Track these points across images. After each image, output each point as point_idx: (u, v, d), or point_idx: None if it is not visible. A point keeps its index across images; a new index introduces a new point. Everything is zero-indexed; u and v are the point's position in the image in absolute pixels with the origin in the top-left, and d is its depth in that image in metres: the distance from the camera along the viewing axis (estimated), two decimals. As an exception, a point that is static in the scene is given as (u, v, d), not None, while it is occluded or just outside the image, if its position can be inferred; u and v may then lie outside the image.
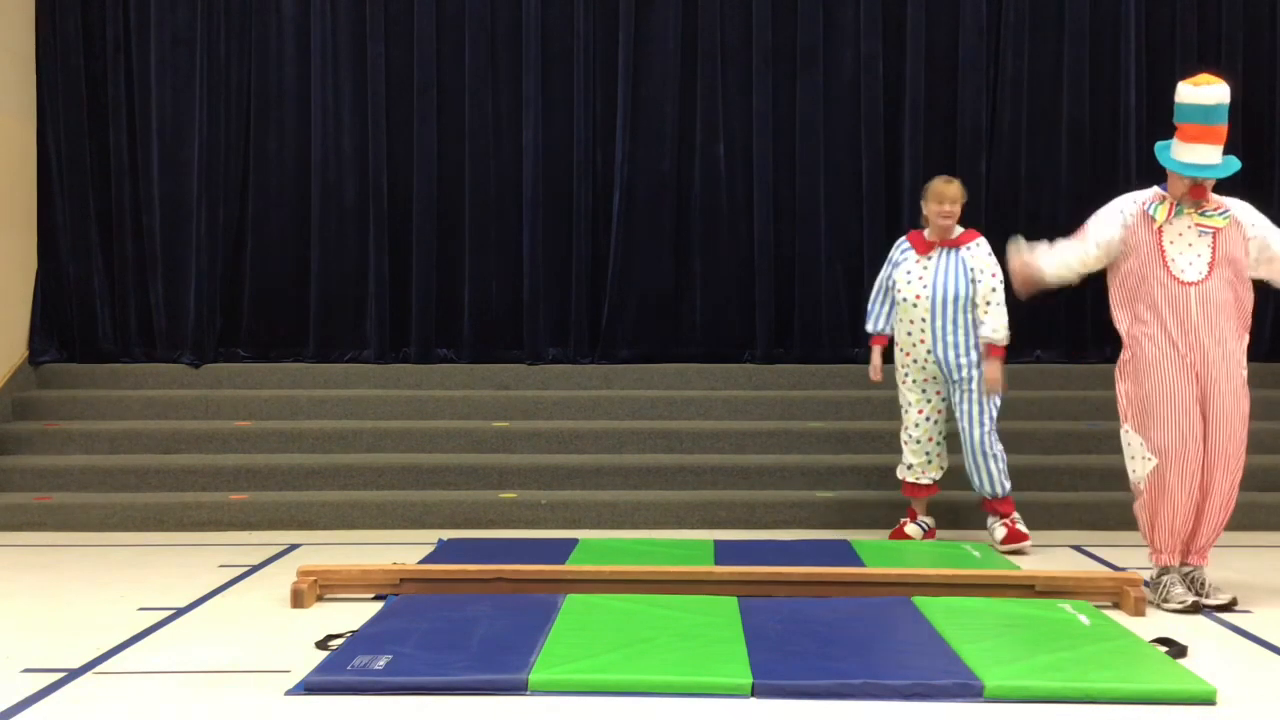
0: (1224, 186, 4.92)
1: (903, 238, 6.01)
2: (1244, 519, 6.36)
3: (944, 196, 5.75)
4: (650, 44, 7.87)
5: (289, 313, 7.95)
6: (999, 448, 5.78)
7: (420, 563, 5.25)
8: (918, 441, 5.91)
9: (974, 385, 5.72)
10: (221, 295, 7.90)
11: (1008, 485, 5.81)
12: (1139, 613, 4.50)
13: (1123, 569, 5.28)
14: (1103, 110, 7.82)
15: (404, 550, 5.69)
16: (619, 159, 7.84)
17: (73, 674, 3.82)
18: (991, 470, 5.76)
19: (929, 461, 5.91)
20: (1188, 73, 7.68)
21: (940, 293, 5.71)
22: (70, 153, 7.83)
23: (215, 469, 6.83)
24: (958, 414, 5.80)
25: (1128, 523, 6.34)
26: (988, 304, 5.65)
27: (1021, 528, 5.78)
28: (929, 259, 5.80)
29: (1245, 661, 3.99)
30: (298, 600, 4.64)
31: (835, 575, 4.80)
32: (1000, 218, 7.67)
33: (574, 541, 5.80)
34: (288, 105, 7.94)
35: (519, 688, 3.60)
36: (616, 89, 7.86)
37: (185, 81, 7.84)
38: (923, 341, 5.76)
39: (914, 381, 5.86)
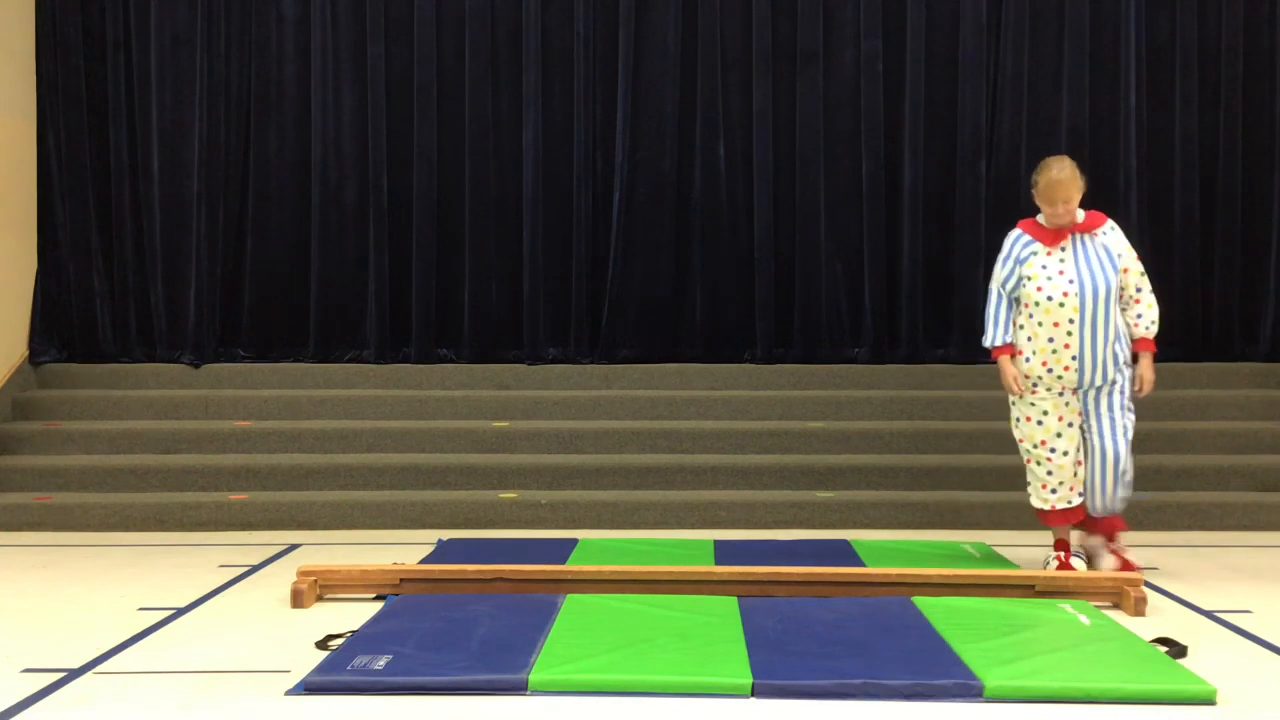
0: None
1: (1015, 230, 5.19)
2: (1245, 519, 6.39)
3: (1054, 197, 4.98)
4: (650, 44, 7.87)
5: (289, 312, 7.95)
6: (1132, 466, 5.16)
7: (420, 563, 5.25)
8: (1064, 454, 5.09)
9: (1118, 390, 5.04)
10: (221, 295, 7.90)
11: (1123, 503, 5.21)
12: (1139, 613, 4.50)
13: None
14: (1103, 110, 7.82)
15: (404, 550, 5.70)
16: (619, 159, 7.84)
17: (73, 674, 3.82)
18: (1120, 489, 5.11)
19: (1074, 477, 5.13)
20: (1188, 72, 7.80)
21: (1090, 287, 4.92)
22: (70, 153, 7.83)
23: (215, 469, 6.82)
24: (1096, 424, 5.08)
25: (1128, 523, 6.38)
26: (1139, 291, 5.02)
27: (1131, 556, 5.16)
28: (1063, 250, 5.02)
29: (1245, 661, 3.98)
30: (298, 600, 4.64)
31: (835, 575, 4.81)
32: (1000, 218, 7.68)
33: (574, 541, 5.81)
34: (288, 105, 7.94)
35: (519, 688, 3.60)
36: (616, 89, 7.85)
37: (185, 81, 7.85)
38: (1067, 347, 4.95)
39: (1047, 390, 5.06)
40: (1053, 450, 5.09)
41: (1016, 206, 7.75)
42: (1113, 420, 5.05)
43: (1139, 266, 5.06)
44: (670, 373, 7.72)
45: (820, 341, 7.85)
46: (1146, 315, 5.05)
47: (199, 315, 7.82)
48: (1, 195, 7.49)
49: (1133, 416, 5.11)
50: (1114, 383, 5.03)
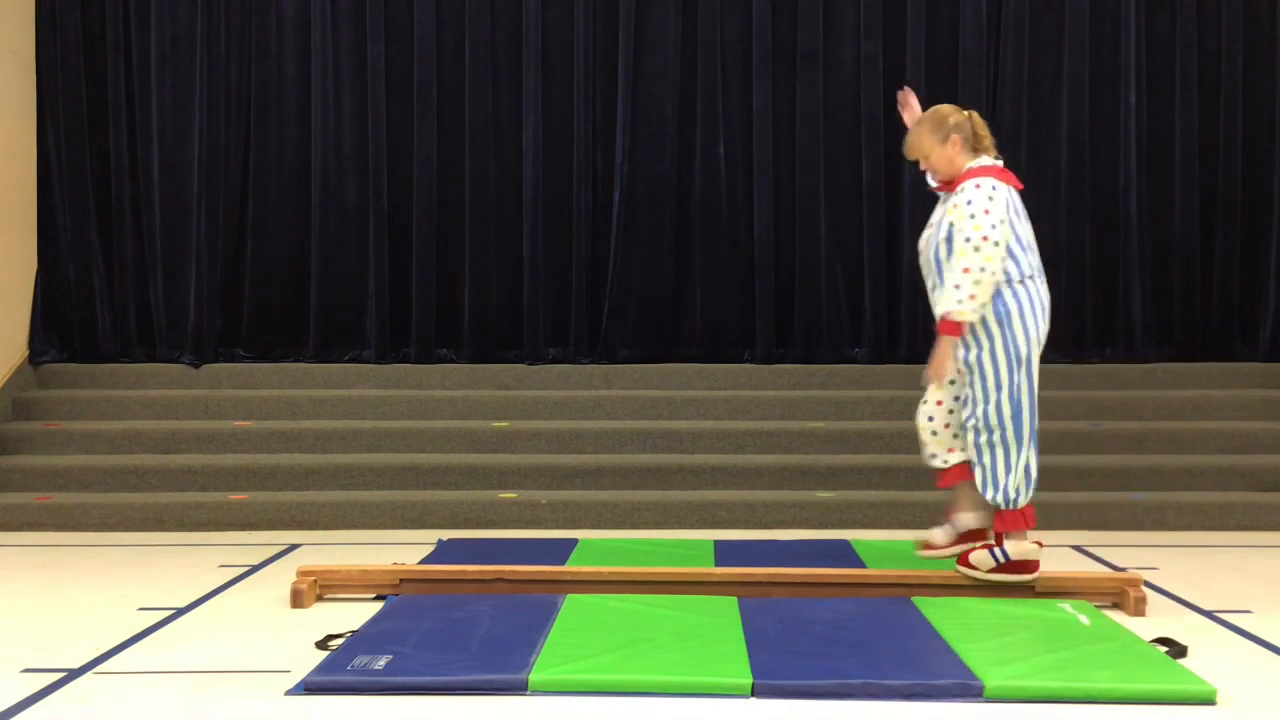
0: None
1: None
2: (1244, 519, 6.38)
3: (909, 155, 4.50)
4: (650, 44, 7.87)
5: (289, 313, 7.95)
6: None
7: (420, 563, 5.25)
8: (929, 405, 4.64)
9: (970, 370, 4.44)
10: (221, 295, 7.90)
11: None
12: (1139, 613, 4.50)
13: (1123, 569, 5.28)
14: (1103, 109, 7.82)
15: (404, 550, 5.69)
16: (619, 159, 7.84)
17: (73, 674, 3.82)
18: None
19: (933, 436, 4.62)
20: (1188, 72, 7.80)
21: (928, 254, 4.46)
22: (70, 153, 7.83)
23: (215, 469, 6.82)
24: None
25: (1128, 523, 6.40)
26: (948, 259, 4.23)
27: (994, 554, 4.50)
28: (941, 208, 4.51)
29: (1245, 661, 3.98)
30: (298, 600, 4.64)
31: (835, 575, 4.80)
32: (1000, 218, 7.68)
33: (574, 541, 5.80)
34: (288, 105, 7.94)
35: (519, 688, 3.60)
36: (616, 89, 7.86)
37: (185, 81, 7.85)
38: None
39: None
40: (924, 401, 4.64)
41: (1016, 206, 7.76)
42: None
43: (963, 238, 4.15)
44: (670, 373, 7.72)
45: (820, 341, 7.85)
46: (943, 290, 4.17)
47: (199, 315, 7.82)
48: (1, 195, 7.49)
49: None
50: (967, 364, 4.40)
